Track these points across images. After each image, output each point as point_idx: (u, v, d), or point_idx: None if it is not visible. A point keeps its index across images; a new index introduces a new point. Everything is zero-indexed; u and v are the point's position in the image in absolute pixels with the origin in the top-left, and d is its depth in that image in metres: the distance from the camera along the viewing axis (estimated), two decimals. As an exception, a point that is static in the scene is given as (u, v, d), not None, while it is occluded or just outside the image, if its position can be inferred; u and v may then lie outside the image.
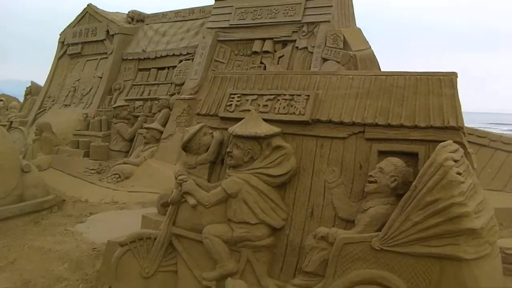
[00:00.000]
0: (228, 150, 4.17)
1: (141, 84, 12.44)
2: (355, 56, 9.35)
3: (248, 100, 4.53)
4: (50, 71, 15.02)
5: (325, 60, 9.26)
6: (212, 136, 4.51)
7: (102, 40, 13.59)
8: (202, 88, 10.45)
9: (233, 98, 4.64)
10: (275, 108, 4.33)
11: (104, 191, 9.03)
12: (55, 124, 12.36)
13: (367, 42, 10.55)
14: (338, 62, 9.05)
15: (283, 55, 9.94)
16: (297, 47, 9.82)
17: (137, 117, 11.71)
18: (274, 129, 4.08)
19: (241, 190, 3.94)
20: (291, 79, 4.49)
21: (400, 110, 3.90)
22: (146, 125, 10.75)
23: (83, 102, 13.28)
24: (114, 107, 11.88)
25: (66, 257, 5.56)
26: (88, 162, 10.88)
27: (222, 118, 4.64)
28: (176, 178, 4.45)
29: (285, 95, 4.36)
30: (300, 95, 4.28)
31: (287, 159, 4.03)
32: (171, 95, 11.23)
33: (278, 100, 4.36)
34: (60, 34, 15.02)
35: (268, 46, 10.13)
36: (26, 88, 15.81)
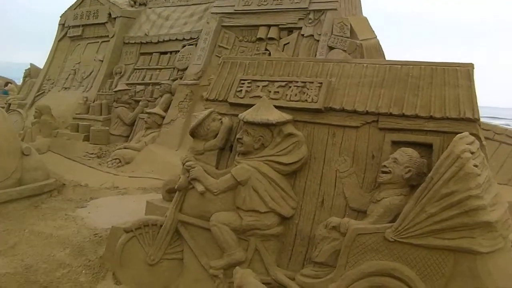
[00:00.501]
0: (238, 136, 4.11)
1: (142, 69, 12.31)
2: (361, 45, 9.27)
3: (258, 86, 4.47)
4: (50, 53, 14.83)
5: (331, 48, 9.18)
6: (221, 122, 4.45)
7: (103, 23, 13.39)
8: (205, 73, 10.38)
9: (243, 84, 4.57)
10: (286, 95, 4.27)
11: (104, 176, 8.96)
12: (54, 107, 12.21)
13: (373, 31, 10.46)
14: (344, 50, 8.98)
15: (288, 43, 9.84)
16: (302, 35, 9.71)
17: (138, 101, 11.59)
18: (286, 116, 4.03)
19: (251, 178, 3.89)
20: (303, 66, 4.43)
21: (415, 100, 3.85)
22: (147, 110, 10.66)
23: (83, 86, 13.13)
24: (115, 91, 11.76)
25: (68, 242, 5.47)
26: (88, 146, 10.76)
27: (232, 104, 4.57)
28: (183, 164, 4.39)
29: (297, 82, 4.29)
30: (312, 82, 4.22)
31: (298, 147, 3.98)
32: (174, 80, 11.12)
33: (290, 87, 4.30)
34: (60, 16, 14.82)
35: (273, 33, 10.02)
36: (25, 70, 15.66)
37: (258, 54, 9.98)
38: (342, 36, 9.13)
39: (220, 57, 10.38)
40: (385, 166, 3.62)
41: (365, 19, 10.49)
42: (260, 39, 10.17)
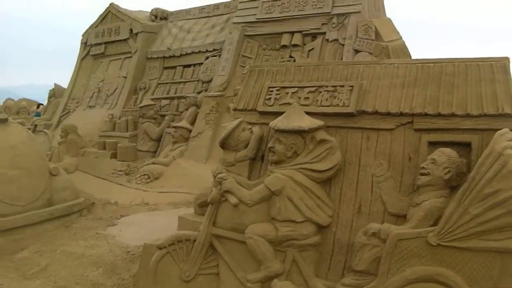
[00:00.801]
0: (269, 145, 4.11)
1: (167, 83, 12.49)
2: (387, 47, 9.21)
3: (288, 93, 4.47)
4: (74, 72, 15.20)
5: (357, 51, 9.15)
6: (251, 131, 4.46)
7: (125, 39, 13.68)
8: (230, 84, 10.46)
9: (271, 91, 4.58)
10: (317, 100, 4.27)
11: (133, 193, 9.04)
12: (80, 126, 12.51)
13: (398, 32, 10.38)
14: (370, 53, 8.93)
15: (313, 48, 9.85)
16: (327, 40, 9.71)
17: (164, 116, 11.73)
18: (318, 122, 4.01)
19: (285, 187, 3.87)
20: (333, 70, 4.43)
21: (451, 98, 3.80)
22: (174, 124, 10.77)
23: (108, 103, 13.39)
24: (140, 107, 11.93)
25: (100, 261, 5.52)
26: (116, 163, 10.93)
27: (261, 113, 4.58)
28: (214, 177, 4.41)
29: (327, 86, 4.29)
30: (343, 86, 4.21)
31: (332, 153, 3.95)
32: (198, 92, 11.23)
33: (320, 92, 4.29)
34: (82, 35, 15.20)
35: (297, 39, 10.05)
36: (50, 90, 16.03)
37: (283, 61, 10.00)
38: (367, 39, 9.10)
39: (244, 67, 10.50)
40: (423, 168, 3.57)
41: (389, 21, 10.42)
42: (284, 46, 10.20)
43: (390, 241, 3.43)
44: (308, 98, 4.32)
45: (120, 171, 10.46)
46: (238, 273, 4.09)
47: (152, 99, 12.06)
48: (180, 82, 12.22)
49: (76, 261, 5.62)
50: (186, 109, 11.18)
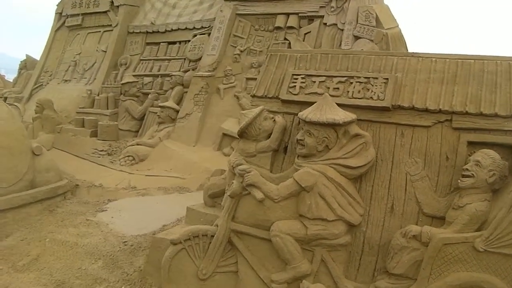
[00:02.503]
0: (299, 137, 3.89)
1: (149, 59, 12.03)
2: (387, 34, 9.07)
3: (314, 82, 4.27)
4: (47, 44, 14.47)
5: (357, 38, 8.97)
6: (274, 121, 4.25)
7: (105, 12, 13.07)
8: (221, 64, 10.15)
9: (296, 79, 4.37)
10: (348, 91, 4.08)
11: (118, 175, 8.71)
12: (55, 100, 11.90)
13: (395, 20, 10.25)
14: (371, 40, 8.77)
15: (309, 32, 9.60)
16: (325, 24, 9.48)
17: (146, 94, 11.34)
18: (351, 115, 3.82)
19: (317, 183, 3.69)
20: (364, 60, 4.24)
21: (493, 97, 3.68)
22: (160, 104, 10.38)
23: (85, 78, 12.83)
24: (122, 84, 11.45)
25: (97, 252, 5.24)
26: (96, 142, 10.49)
27: (284, 101, 4.37)
28: (233, 167, 4.19)
29: (359, 77, 4.10)
30: (377, 78, 4.03)
31: (366, 149, 3.79)
32: (185, 71, 10.87)
33: (351, 83, 4.11)
34: (57, 5, 14.45)
35: (292, 21, 9.77)
36: (21, 62, 15.29)
37: (277, 43, 9.74)
38: (368, 25, 8.91)
39: (235, 47, 10.23)
40: (467, 169, 3.45)
41: (387, 7, 10.26)
42: (279, 28, 9.91)
43: (434, 245, 3.33)
44: (338, 88, 4.13)
45: (101, 151, 10.05)
46: (260, 272, 3.91)
47: (134, 76, 11.59)
48: (164, 59, 11.78)
49: (69, 251, 5.31)
50: (171, 88, 10.81)
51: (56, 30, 14.44)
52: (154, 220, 6.13)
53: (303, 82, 4.31)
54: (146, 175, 8.53)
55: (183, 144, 9.48)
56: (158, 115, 10.26)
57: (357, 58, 4.27)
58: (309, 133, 3.81)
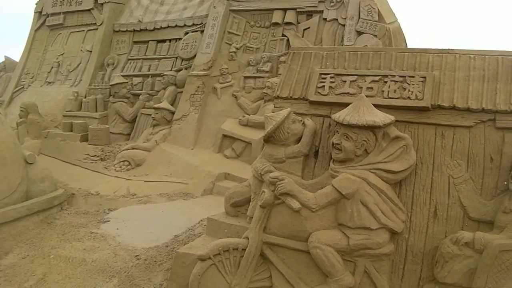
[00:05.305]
0: (335, 141, 3.74)
1: (138, 59, 11.80)
2: (389, 29, 8.99)
3: (345, 81, 4.13)
4: (26, 44, 14.11)
5: (360, 33, 8.86)
6: (303, 123, 4.09)
7: (89, 10, 12.77)
8: (216, 63, 9.98)
9: (324, 78, 4.22)
10: (383, 91, 3.95)
11: (115, 182, 8.45)
12: (39, 103, 11.59)
13: (394, 14, 10.18)
14: (375, 35, 8.67)
15: (309, 27, 9.47)
16: (325, 19, 9.36)
17: (137, 95, 11.13)
18: (390, 116, 3.69)
19: (358, 190, 3.54)
20: (396, 58, 4.11)
21: (538, 95, 3.58)
22: (155, 105, 10.12)
23: (70, 79, 12.53)
24: (111, 85, 11.19)
25: (108, 269, 4.98)
26: (87, 147, 10.19)
27: (312, 102, 4.22)
28: (260, 175, 4.01)
29: (393, 76, 3.97)
30: (413, 76, 3.91)
31: (406, 152, 3.66)
32: (177, 70, 10.66)
33: (386, 82, 3.98)
34: (36, 4, 14.07)
35: (290, 17, 9.63)
36: (-1, 63, 14.88)
37: (275, 40, 9.62)
38: (370, 20, 8.82)
39: (231, 44, 10.04)
40: (517, 172, 3.34)
41: (386, 1, 10.19)
42: (276, 24, 9.77)
43: (490, 253, 3.22)
44: (371, 88, 3.99)
45: (94, 156, 9.77)
46: (298, 286, 3.74)
47: (123, 76, 11.33)
48: (154, 59, 11.56)
49: (78, 268, 5.04)
50: (164, 89, 10.62)
51: (36, 29, 14.10)
52: (163, 230, 5.91)
53: (333, 82, 4.16)
54: (145, 181, 8.30)
55: (181, 147, 9.28)
56: (152, 117, 10.03)
57: (389, 55, 4.14)
58: (347, 137, 3.67)
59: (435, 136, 3.78)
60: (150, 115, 10.25)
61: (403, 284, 3.66)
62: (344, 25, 9.07)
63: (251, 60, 9.68)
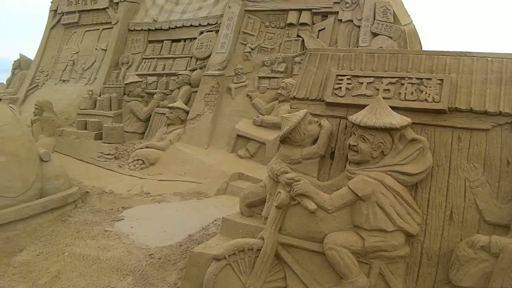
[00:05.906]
0: (352, 143, 3.77)
1: (152, 58, 11.87)
2: (405, 31, 8.98)
3: (362, 83, 4.16)
4: (41, 42, 14.23)
5: (375, 34, 8.86)
6: (319, 125, 4.13)
7: (104, 9, 12.87)
8: (231, 63, 10.02)
9: (341, 80, 4.25)
10: (399, 93, 3.97)
11: (129, 180, 8.52)
12: (53, 101, 11.67)
13: (409, 15, 10.17)
14: (390, 37, 8.67)
15: (323, 28, 9.48)
16: (340, 20, 9.37)
17: (151, 94, 11.19)
18: (407, 119, 3.72)
19: (375, 192, 3.57)
20: (413, 60, 4.13)
21: (556, 98, 3.58)
22: (169, 105, 10.18)
23: (84, 77, 12.63)
24: (126, 83, 11.25)
25: (123, 267, 5.03)
26: (102, 145, 10.26)
27: (329, 104, 4.25)
28: (276, 175, 4.05)
29: (410, 78, 3.99)
30: (430, 79, 3.92)
31: (423, 154, 3.69)
32: (192, 70, 10.72)
33: (403, 84, 4.00)
34: (51, 2, 14.21)
35: (305, 17, 9.65)
36: (14, 61, 14.99)
37: (290, 40, 9.66)
38: (385, 22, 8.81)
39: (245, 44, 10.10)
40: (535, 175, 3.35)
41: (401, 3, 10.17)
42: (291, 24, 9.80)
43: (507, 256, 3.23)
44: (388, 90, 4.01)
45: (108, 154, 9.85)
46: (312, 287, 3.77)
47: (138, 75, 11.41)
48: (168, 58, 11.61)
49: (92, 266, 5.09)
50: (178, 88, 10.68)
51: (51, 28, 14.20)
52: (177, 229, 5.97)
53: (349, 83, 4.19)
54: (159, 180, 8.35)
55: (195, 147, 9.32)
56: (167, 116, 10.08)
57: (406, 57, 4.16)
58: (363, 138, 3.69)
59: (451, 138, 3.79)
60: (165, 114, 10.31)
61: (417, 286, 3.68)
62: (359, 26, 9.07)
63: (265, 61, 9.72)
